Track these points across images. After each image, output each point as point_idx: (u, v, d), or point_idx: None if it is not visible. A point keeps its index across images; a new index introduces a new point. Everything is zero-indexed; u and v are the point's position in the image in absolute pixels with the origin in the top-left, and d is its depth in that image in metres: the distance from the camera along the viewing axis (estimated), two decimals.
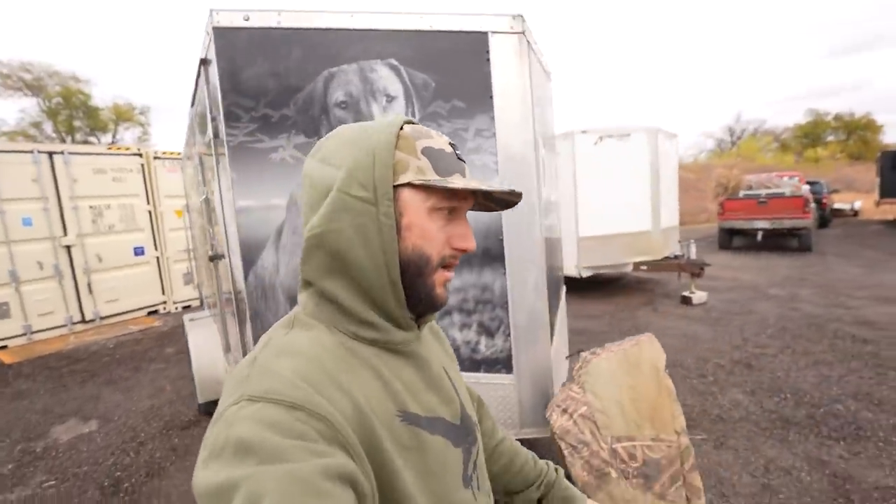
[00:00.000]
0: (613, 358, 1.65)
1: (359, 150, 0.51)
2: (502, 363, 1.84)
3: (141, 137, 24.10)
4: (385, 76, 1.74)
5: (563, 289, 2.99)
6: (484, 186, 0.53)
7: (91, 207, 6.07)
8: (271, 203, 1.83)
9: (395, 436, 0.49)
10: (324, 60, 1.74)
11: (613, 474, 1.37)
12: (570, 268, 6.42)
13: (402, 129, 0.53)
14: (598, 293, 6.89)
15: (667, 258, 6.45)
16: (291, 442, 0.37)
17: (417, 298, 0.54)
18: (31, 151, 5.52)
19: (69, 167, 5.81)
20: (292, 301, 1.88)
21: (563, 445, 1.46)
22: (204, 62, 1.94)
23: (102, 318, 6.20)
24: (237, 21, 1.73)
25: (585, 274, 6.32)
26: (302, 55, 1.75)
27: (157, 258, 6.84)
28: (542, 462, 0.81)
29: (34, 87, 20.54)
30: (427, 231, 0.53)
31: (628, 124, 6.45)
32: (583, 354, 1.82)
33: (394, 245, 0.51)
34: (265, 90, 1.77)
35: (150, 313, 6.75)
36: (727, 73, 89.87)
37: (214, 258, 2.48)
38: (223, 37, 1.75)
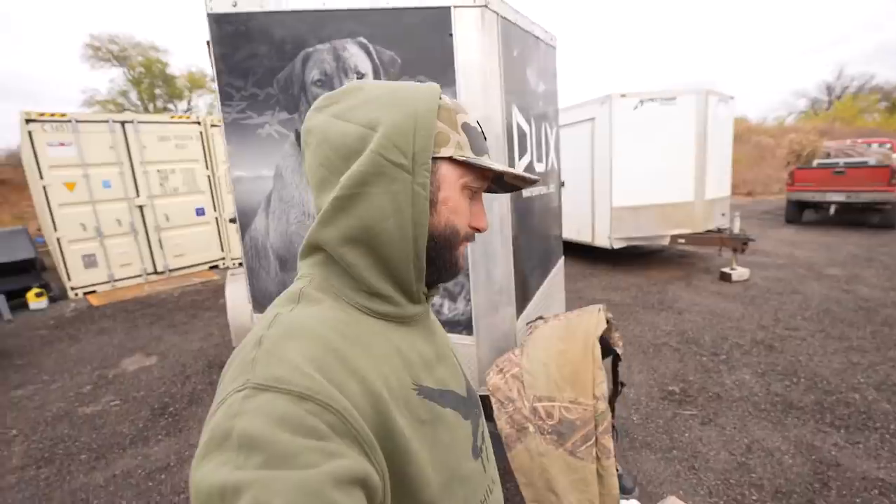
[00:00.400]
0: (557, 325, 1.74)
1: (397, 112, 0.48)
2: (464, 325, 1.98)
3: (213, 104, 25.78)
4: (355, 54, 1.85)
5: (560, 258, 3.02)
6: (520, 172, 0.56)
7: (158, 171, 6.80)
8: (261, 174, 2.05)
9: (412, 410, 0.48)
10: (301, 41, 1.88)
11: (531, 429, 1.50)
12: (603, 238, 6.27)
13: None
14: (633, 265, 6.68)
15: (710, 232, 6.08)
16: (301, 441, 0.35)
17: (442, 270, 0.55)
18: (107, 121, 6.25)
19: (138, 135, 6.51)
20: (281, 261, 2.13)
21: (493, 400, 1.60)
22: (209, 44, 2.15)
23: (171, 271, 7.07)
24: (227, 7, 1.91)
25: (618, 245, 6.14)
26: (282, 37, 1.90)
27: (216, 218, 7.57)
28: None
29: (120, 58, 22.51)
30: (460, 207, 0.53)
31: (675, 87, 5.97)
32: (538, 321, 1.92)
33: (425, 217, 0.49)
34: (252, 70, 1.95)
35: (210, 268, 7.56)
36: (827, 19, 77.21)
37: (232, 220, 2.81)
38: (217, 22, 1.93)
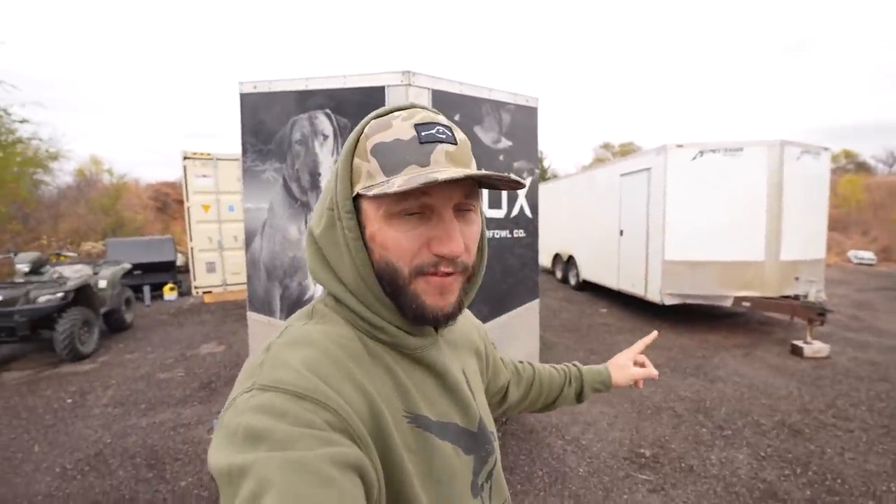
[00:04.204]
0: None
1: (340, 159, 0.51)
2: None
3: None
4: (322, 121, 2.44)
5: (530, 302, 3.16)
6: (422, 180, 0.43)
7: None
8: (261, 206, 2.73)
9: (401, 436, 0.48)
10: (291, 112, 2.55)
11: None
12: (654, 293, 5.90)
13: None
14: (694, 325, 6.07)
15: (787, 297, 5.33)
16: (300, 430, 0.37)
17: (407, 310, 0.50)
18: (238, 158, 8.01)
19: None
20: (268, 272, 2.75)
21: None
22: None
23: None
24: (250, 89, 2.68)
25: (669, 301, 5.72)
26: (280, 109, 2.59)
27: None
28: (561, 366, 0.90)
29: None
30: (388, 240, 0.48)
31: (742, 138, 5.55)
32: None
33: (364, 259, 0.49)
34: (261, 132, 2.68)
35: None
36: None
37: None
38: (243, 99, 2.72)
